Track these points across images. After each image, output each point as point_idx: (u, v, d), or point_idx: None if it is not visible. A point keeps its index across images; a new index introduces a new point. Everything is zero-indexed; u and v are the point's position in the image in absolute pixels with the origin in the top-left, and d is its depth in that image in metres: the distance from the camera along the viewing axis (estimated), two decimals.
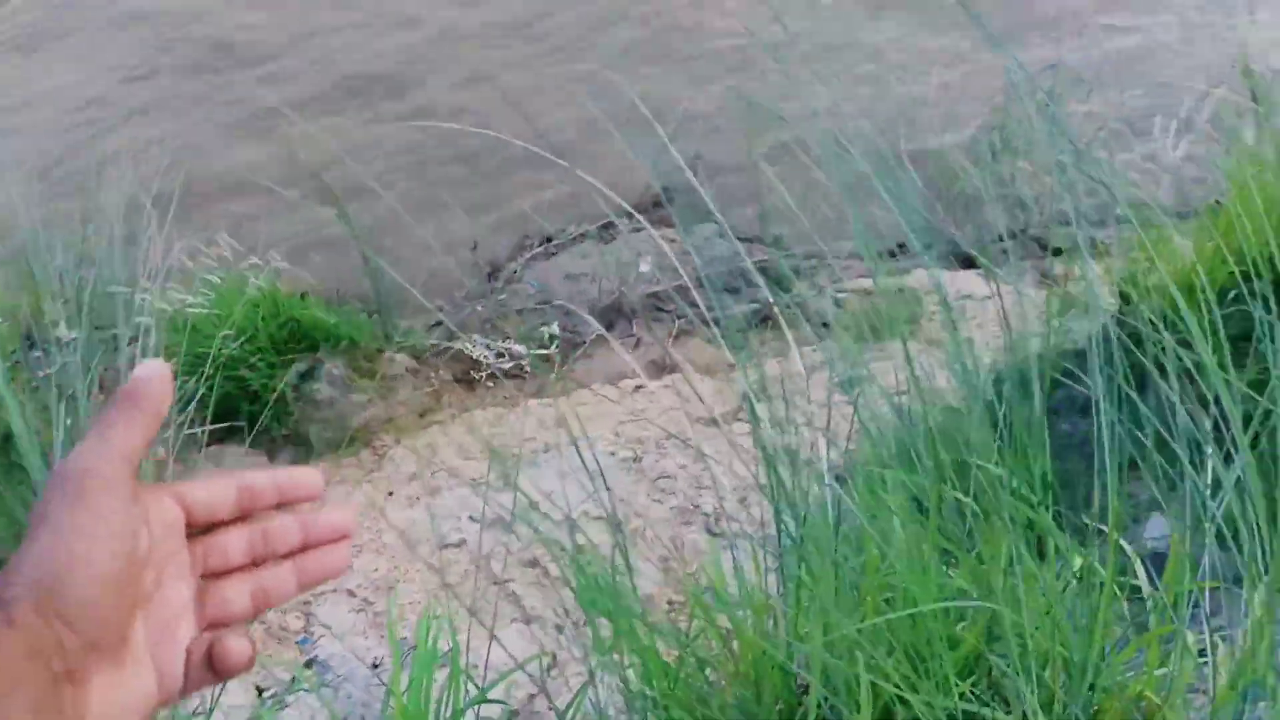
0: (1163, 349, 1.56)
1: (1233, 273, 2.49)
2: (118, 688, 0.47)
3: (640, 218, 2.03)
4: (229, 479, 0.56)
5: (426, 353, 3.54)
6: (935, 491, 1.27)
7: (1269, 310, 2.14)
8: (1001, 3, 5.21)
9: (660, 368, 3.44)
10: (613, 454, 3.03)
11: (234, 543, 0.56)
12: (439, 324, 3.65)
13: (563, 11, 5.90)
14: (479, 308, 3.80)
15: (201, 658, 0.52)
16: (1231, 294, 2.36)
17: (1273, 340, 2.06)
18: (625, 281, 3.80)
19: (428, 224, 3.99)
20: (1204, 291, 2.34)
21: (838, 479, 1.98)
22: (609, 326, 3.58)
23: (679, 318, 3.62)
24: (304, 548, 0.58)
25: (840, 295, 4.06)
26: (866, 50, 5.08)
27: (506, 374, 3.42)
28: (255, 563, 0.57)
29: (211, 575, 0.56)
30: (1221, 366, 1.81)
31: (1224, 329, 2.39)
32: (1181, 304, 2.11)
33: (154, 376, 0.52)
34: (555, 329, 3.55)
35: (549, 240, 4.22)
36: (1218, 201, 2.68)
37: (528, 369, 3.41)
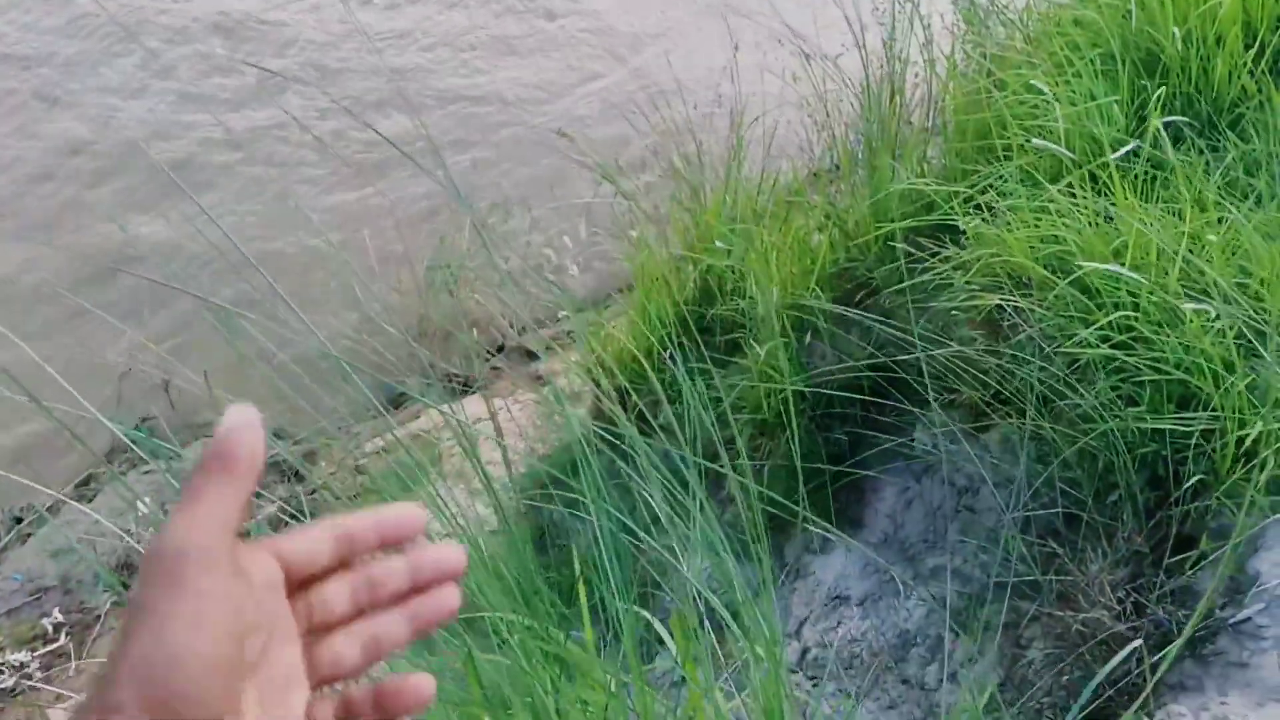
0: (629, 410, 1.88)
1: (665, 334, 3.04)
2: None
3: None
4: (326, 526, 0.51)
5: None
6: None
7: (688, 362, 2.66)
8: None
9: None
10: None
11: (337, 593, 0.51)
12: None
13: None
14: None
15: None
16: (666, 353, 2.90)
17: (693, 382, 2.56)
18: (132, 530, 3.49)
19: None
20: (640, 361, 2.83)
21: None
22: (128, 587, 3.25)
23: None
24: (413, 591, 0.53)
25: (362, 462, 4.12)
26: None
27: (12, 691, 2.93)
28: (362, 612, 0.52)
29: (317, 630, 0.51)
30: (677, 417, 2.22)
31: (670, 379, 2.89)
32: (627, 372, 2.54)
33: (243, 427, 0.46)
34: (58, 615, 3.14)
35: (18, 520, 3.72)
36: (629, 286, 3.24)
37: (37, 672, 2.97)
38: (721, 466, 1.42)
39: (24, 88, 5.71)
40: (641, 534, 1.47)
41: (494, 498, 1.64)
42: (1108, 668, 1.22)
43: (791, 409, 2.02)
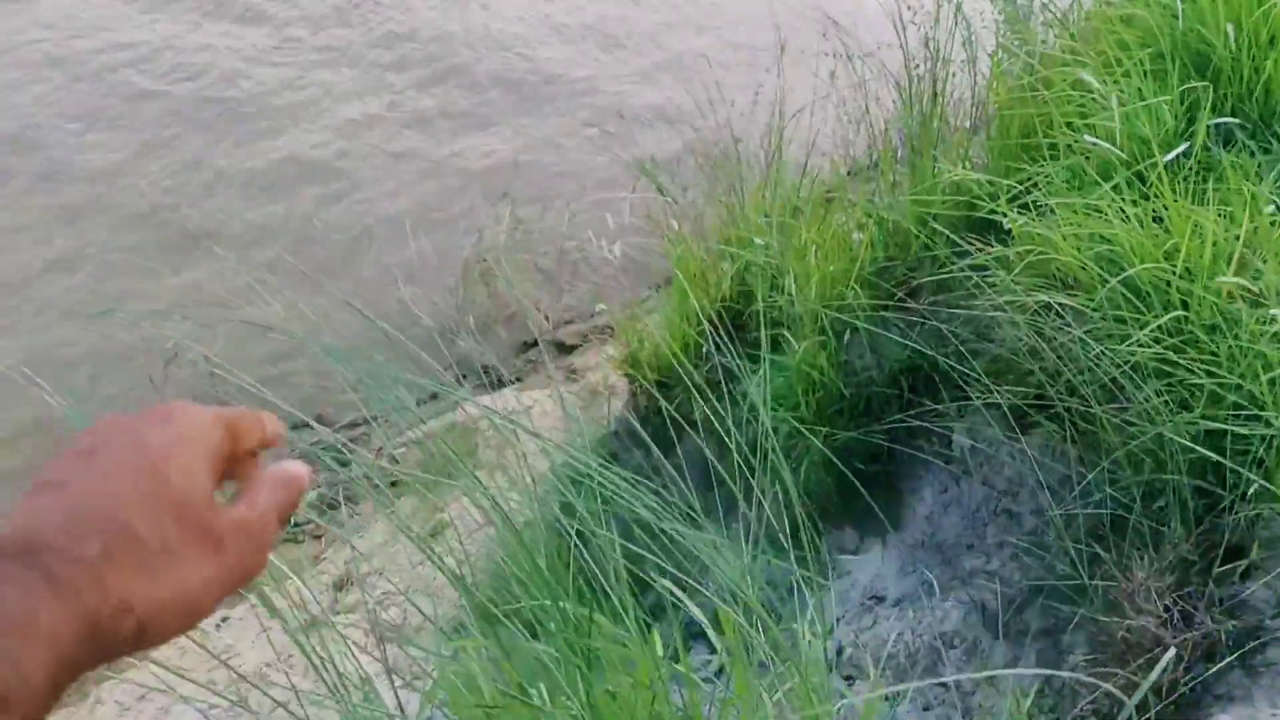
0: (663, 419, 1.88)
1: (700, 330, 3.04)
2: None
3: None
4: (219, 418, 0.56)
5: None
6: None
7: (732, 356, 2.65)
8: None
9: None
10: None
11: None
12: None
13: None
14: None
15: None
16: (704, 348, 2.89)
17: (735, 379, 2.55)
18: None
19: None
20: (678, 355, 2.82)
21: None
22: None
23: None
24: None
25: (398, 451, 4.13)
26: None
27: None
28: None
29: None
30: (713, 412, 2.21)
31: (706, 376, 2.88)
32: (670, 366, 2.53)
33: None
34: None
35: None
36: (668, 280, 3.23)
37: None
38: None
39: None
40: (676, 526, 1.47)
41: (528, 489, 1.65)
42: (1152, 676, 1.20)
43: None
